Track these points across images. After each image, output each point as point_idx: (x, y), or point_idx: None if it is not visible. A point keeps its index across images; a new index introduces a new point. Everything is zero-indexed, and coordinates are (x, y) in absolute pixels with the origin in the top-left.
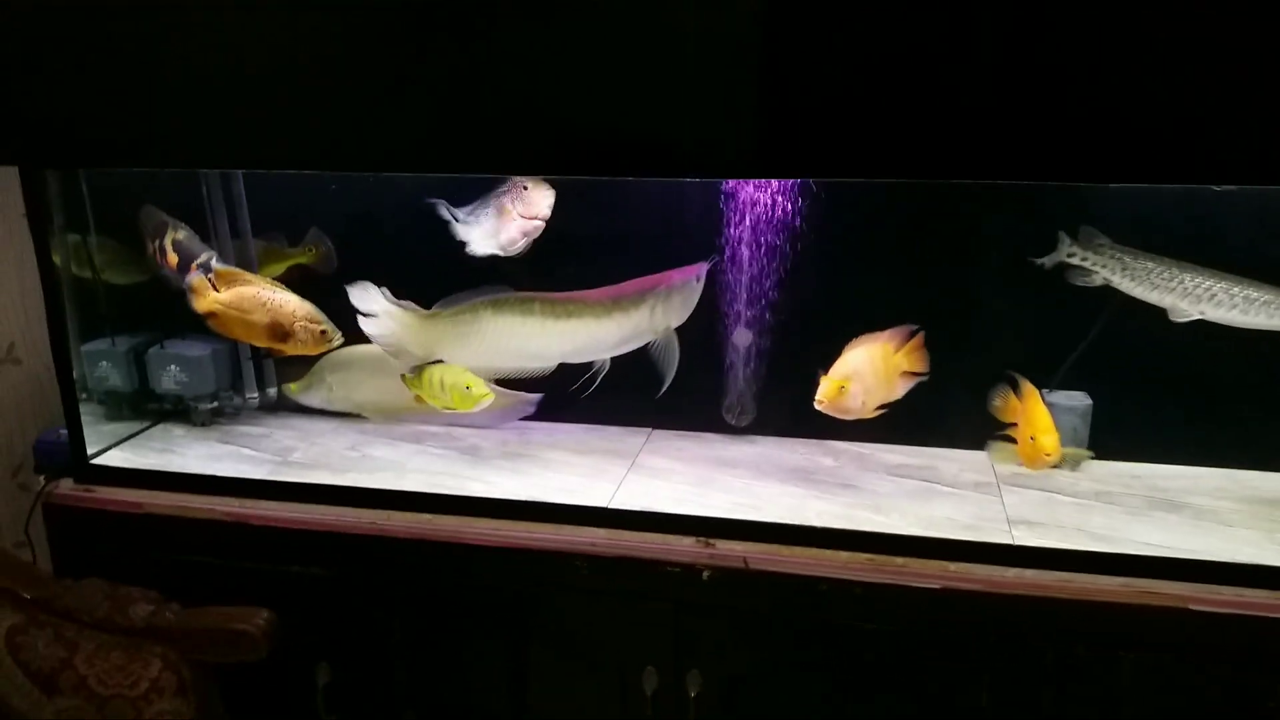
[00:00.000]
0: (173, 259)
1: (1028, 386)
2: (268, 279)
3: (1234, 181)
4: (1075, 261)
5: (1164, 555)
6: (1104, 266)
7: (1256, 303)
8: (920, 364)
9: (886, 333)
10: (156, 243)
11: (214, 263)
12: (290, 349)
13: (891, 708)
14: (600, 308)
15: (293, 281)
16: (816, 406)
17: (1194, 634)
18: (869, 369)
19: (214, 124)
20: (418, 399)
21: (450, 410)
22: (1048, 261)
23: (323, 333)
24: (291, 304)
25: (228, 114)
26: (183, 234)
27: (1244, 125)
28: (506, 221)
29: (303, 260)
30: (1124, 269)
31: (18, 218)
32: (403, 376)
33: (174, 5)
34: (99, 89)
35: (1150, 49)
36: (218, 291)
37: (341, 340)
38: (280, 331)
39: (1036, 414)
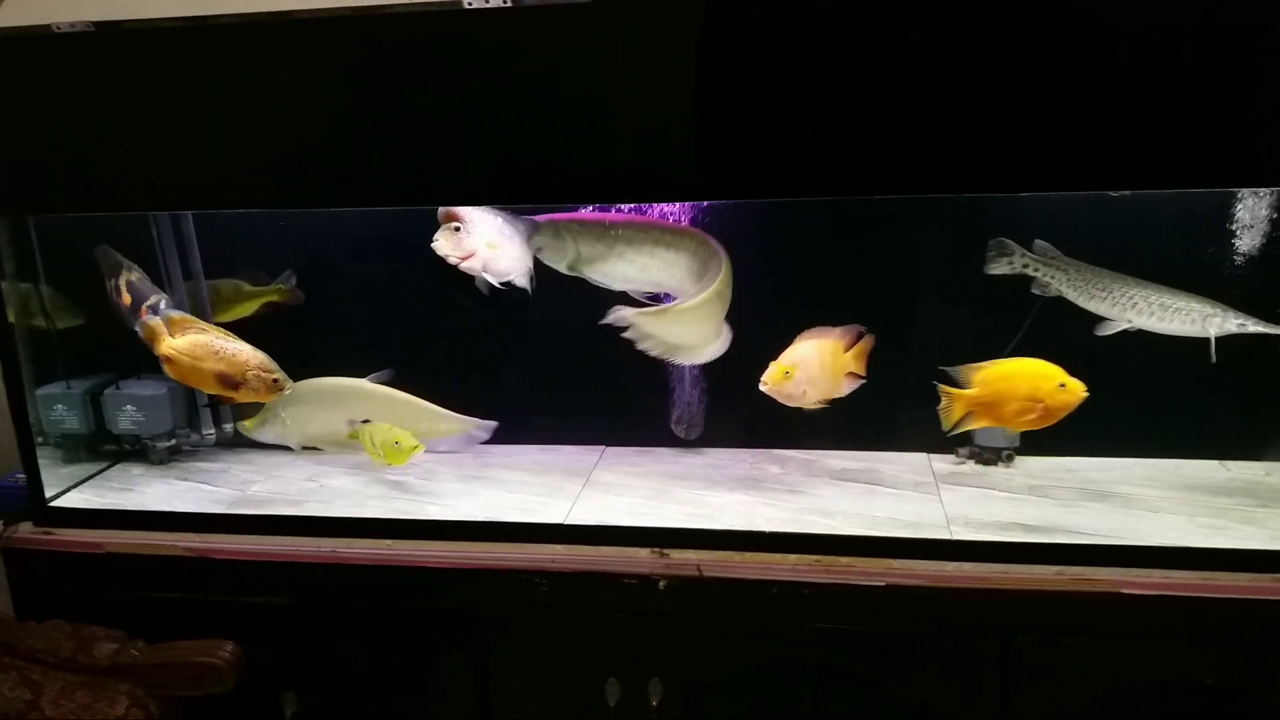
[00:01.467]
0: (125, 299)
1: (977, 367)
2: (220, 329)
3: (1145, 186)
4: (1029, 272)
5: (1096, 543)
6: (1053, 277)
7: (1170, 309)
8: (862, 367)
9: (838, 330)
10: (112, 281)
11: (163, 305)
12: (242, 397)
13: (846, 703)
14: None
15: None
16: (761, 388)
17: (1128, 616)
18: (815, 360)
19: (160, 167)
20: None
21: (388, 465)
22: (1002, 270)
23: (275, 381)
24: (245, 353)
25: (173, 157)
26: (135, 275)
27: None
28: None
29: (274, 298)
30: (1068, 279)
31: None
32: (351, 435)
33: (120, 52)
34: (43, 137)
35: (1061, 63)
36: (172, 337)
37: (292, 388)
38: (232, 380)
39: (1027, 369)
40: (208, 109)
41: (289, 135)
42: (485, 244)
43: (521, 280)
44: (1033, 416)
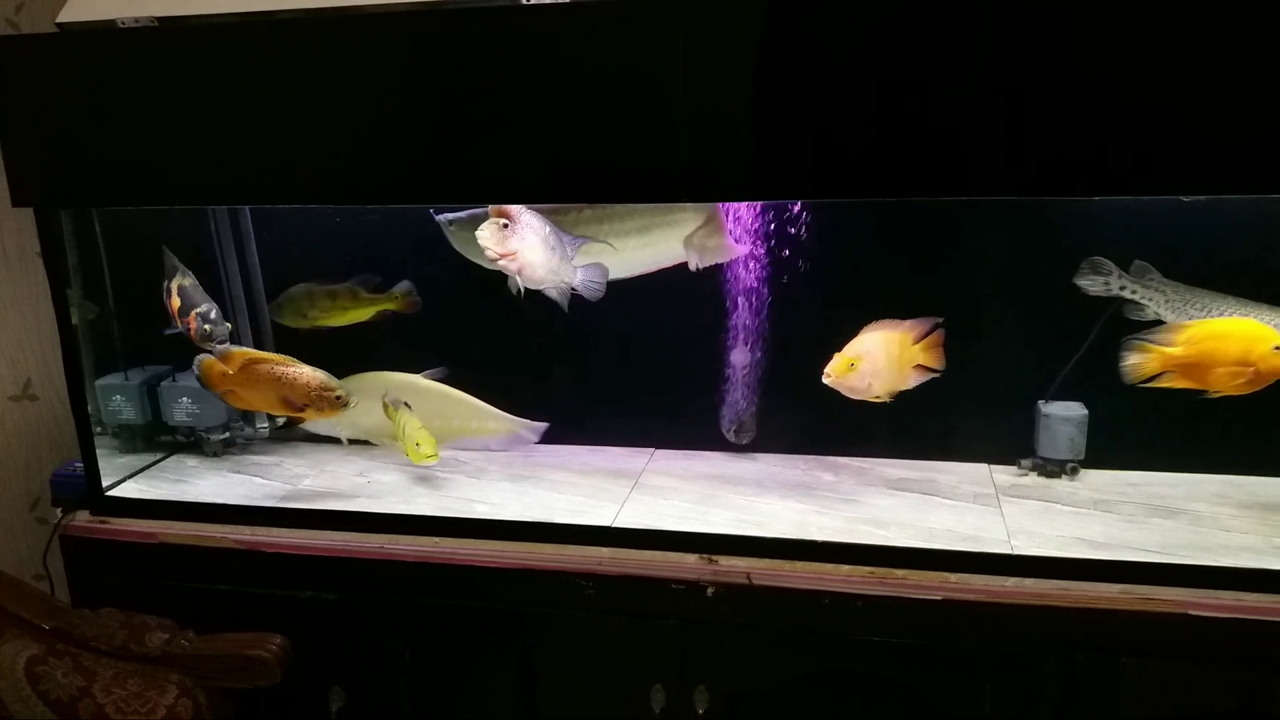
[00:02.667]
0: (175, 303)
1: (1181, 325)
2: (279, 355)
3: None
4: (1125, 295)
5: (1162, 561)
6: (1150, 299)
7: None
8: (936, 360)
9: (908, 322)
10: (166, 284)
11: (214, 314)
12: (310, 416)
13: (896, 718)
14: None
15: None
16: (824, 381)
17: (1194, 639)
18: (882, 352)
19: (219, 161)
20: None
21: (405, 455)
22: (1097, 291)
23: (338, 398)
24: (304, 375)
25: (232, 152)
26: (188, 281)
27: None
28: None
29: (391, 306)
30: (1166, 301)
31: (32, 256)
32: (385, 405)
33: (183, 48)
34: (107, 131)
35: (1140, 60)
36: (229, 372)
37: (355, 401)
38: (297, 404)
39: (1241, 329)
40: (266, 104)
41: (345, 131)
42: (528, 248)
43: (554, 294)
44: (1242, 381)
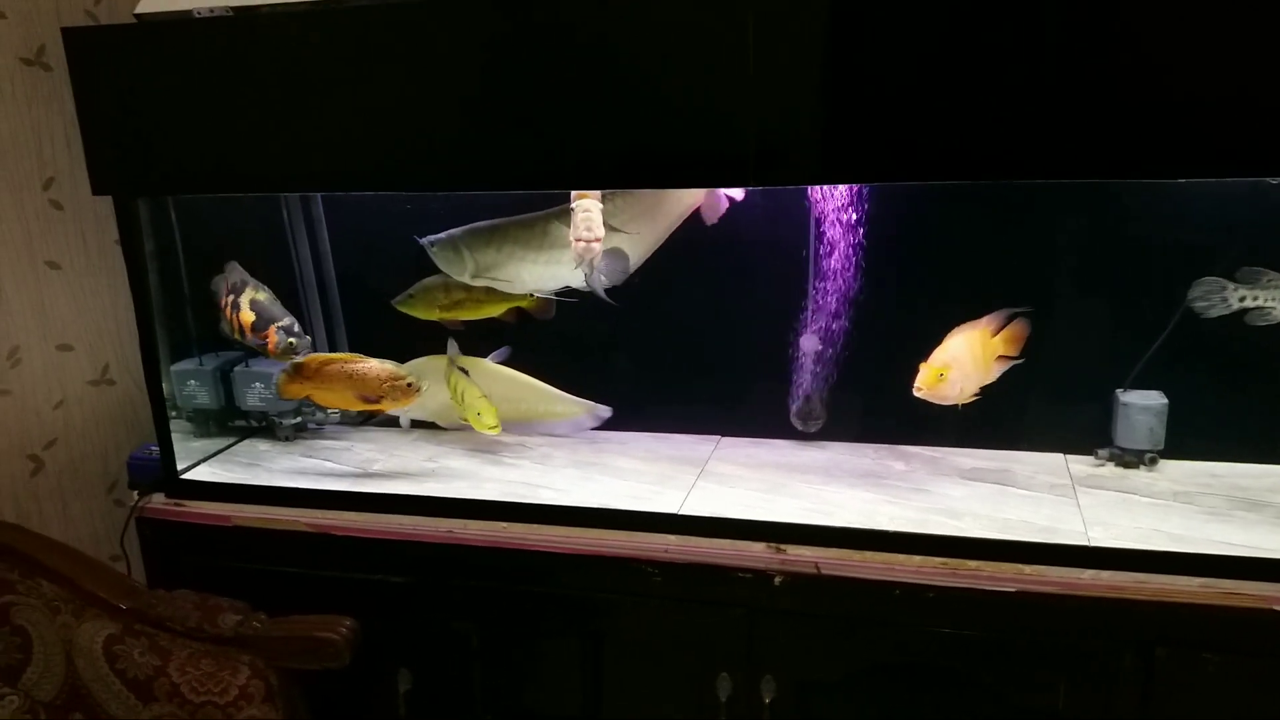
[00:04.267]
0: (248, 317)
1: None
2: (347, 354)
3: None
4: (1249, 304)
5: (1246, 555)
6: (1275, 300)
7: None
8: (1017, 350)
9: (985, 318)
10: (231, 299)
11: (296, 327)
12: (386, 407)
13: (966, 712)
14: None
15: None
16: (915, 394)
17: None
18: (967, 355)
19: (295, 149)
20: None
21: (465, 421)
22: (1220, 313)
23: (409, 385)
24: (373, 369)
25: (307, 139)
26: (263, 295)
27: None
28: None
29: (524, 304)
30: None
31: (110, 244)
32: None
33: (258, 37)
34: (185, 119)
35: (1224, 36)
36: (305, 379)
37: (426, 385)
38: (371, 397)
39: None
40: (339, 91)
41: (415, 118)
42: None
43: (595, 283)
44: None
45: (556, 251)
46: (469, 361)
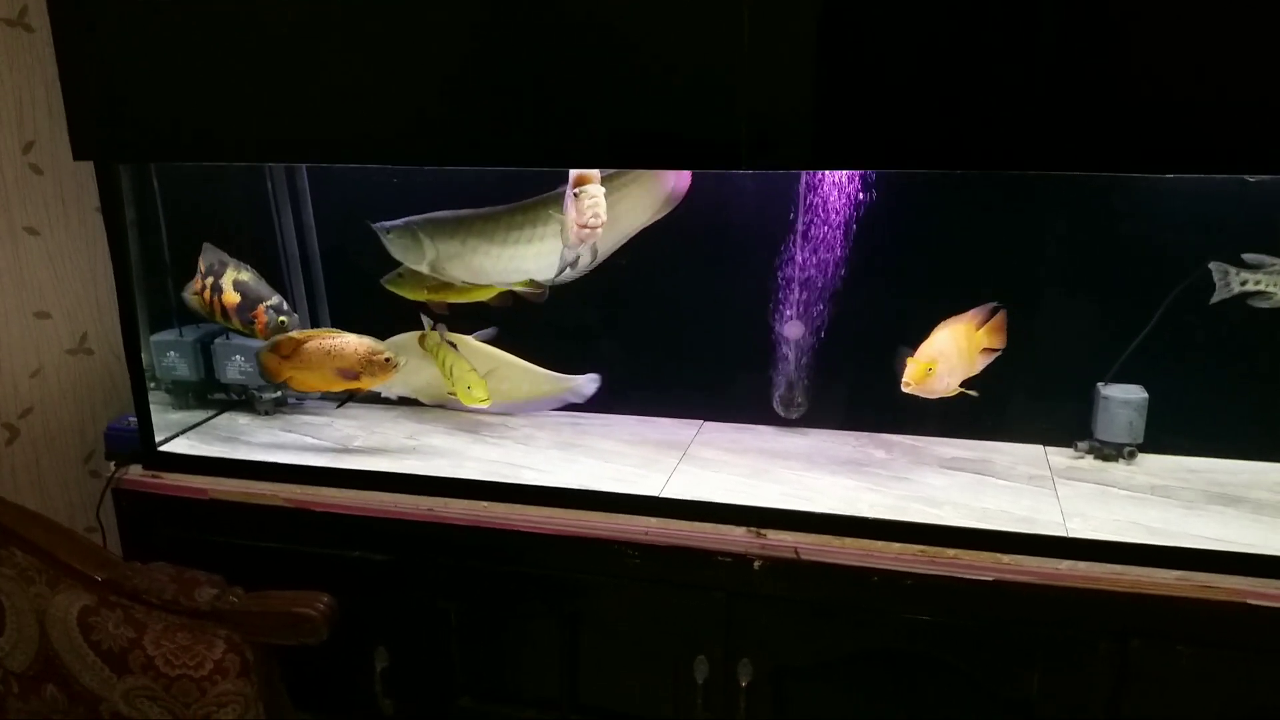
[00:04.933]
0: (231, 298)
1: None
2: (324, 329)
3: None
4: (1250, 289)
5: (1222, 549)
6: (1275, 285)
7: None
8: (1000, 341)
9: (970, 312)
10: (211, 280)
11: (285, 305)
12: (365, 384)
13: (941, 699)
14: None
15: None
16: (903, 389)
17: (1254, 629)
18: (953, 349)
19: (283, 118)
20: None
21: (452, 395)
22: (1220, 297)
23: (387, 360)
24: (350, 343)
25: (295, 110)
26: (247, 274)
27: None
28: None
29: (517, 288)
30: None
31: (90, 212)
32: (424, 336)
33: (242, 4)
34: (170, 85)
35: (1218, 32)
36: (285, 357)
37: (405, 361)
38: (350, 372)
39: None
40: (328, 62)
41: (405, 91)
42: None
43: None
44: None
45: (521, 246)
46: (452, 339)
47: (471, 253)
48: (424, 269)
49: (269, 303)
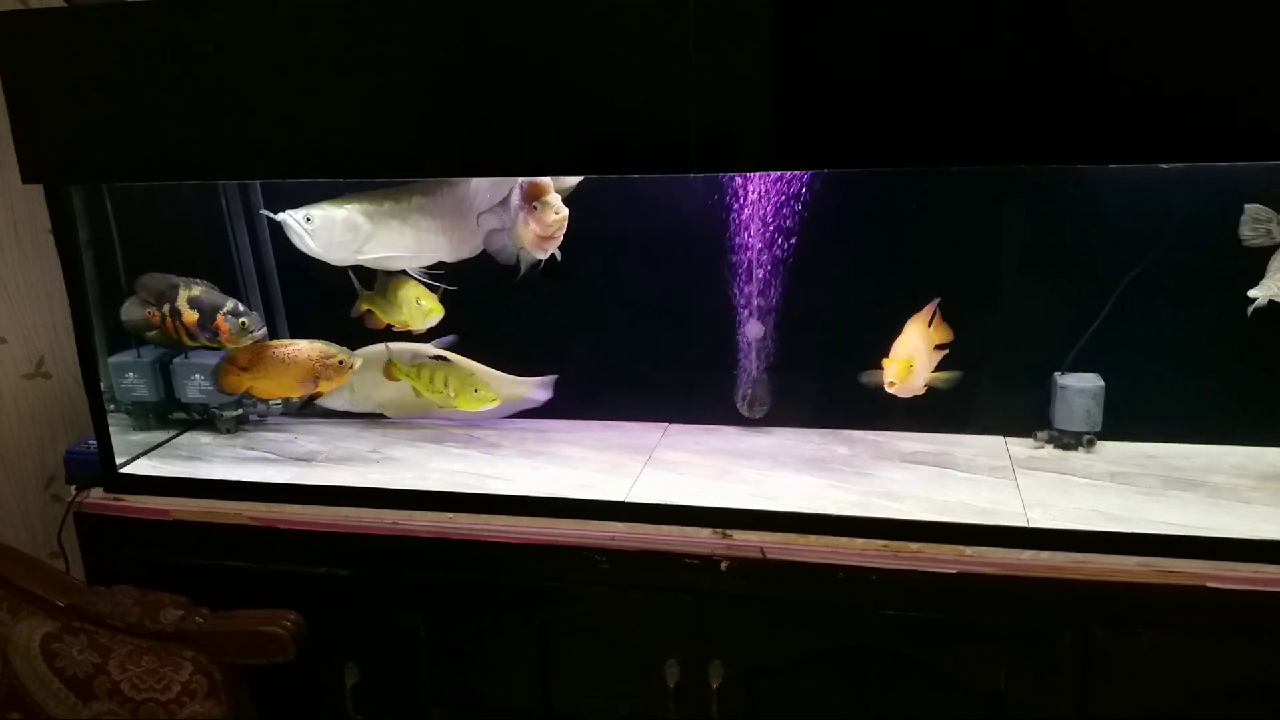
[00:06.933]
0: (190, 316)
1: None
2: (274, 341)
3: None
4: None
5: (1180, 534)
6: None
7: None
8: (946, 335)
9: (922, 311)
10: (167, 307)
11: (241, 308)
12: (324, 388)
13: (913, 692)
14: None
15: None
16: (888, 389)
17: (1213, 612)
18: (923, 346)
19: (234, 136)
20: (415, 391)
21: (450, 408)
22: (1260, 241)
23: (340, 362)
24: (303, 349)
25: (245, 126)
26: (198, 289)
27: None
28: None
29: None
30: None
31: (43, 234)
32: (391, 364)
33: (193, 19)
34: (120, 105)
35: (1171, 21)
36: (243, 369)
37: (360, 362)
38: (308, 378)
39: None
40: (277, 78)
41: (356, 103)
42: None
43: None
44: None
45: (459, 218)
46: (414, 348)
47: (413, 230)
48: (348, 257)
49: (225, 309)
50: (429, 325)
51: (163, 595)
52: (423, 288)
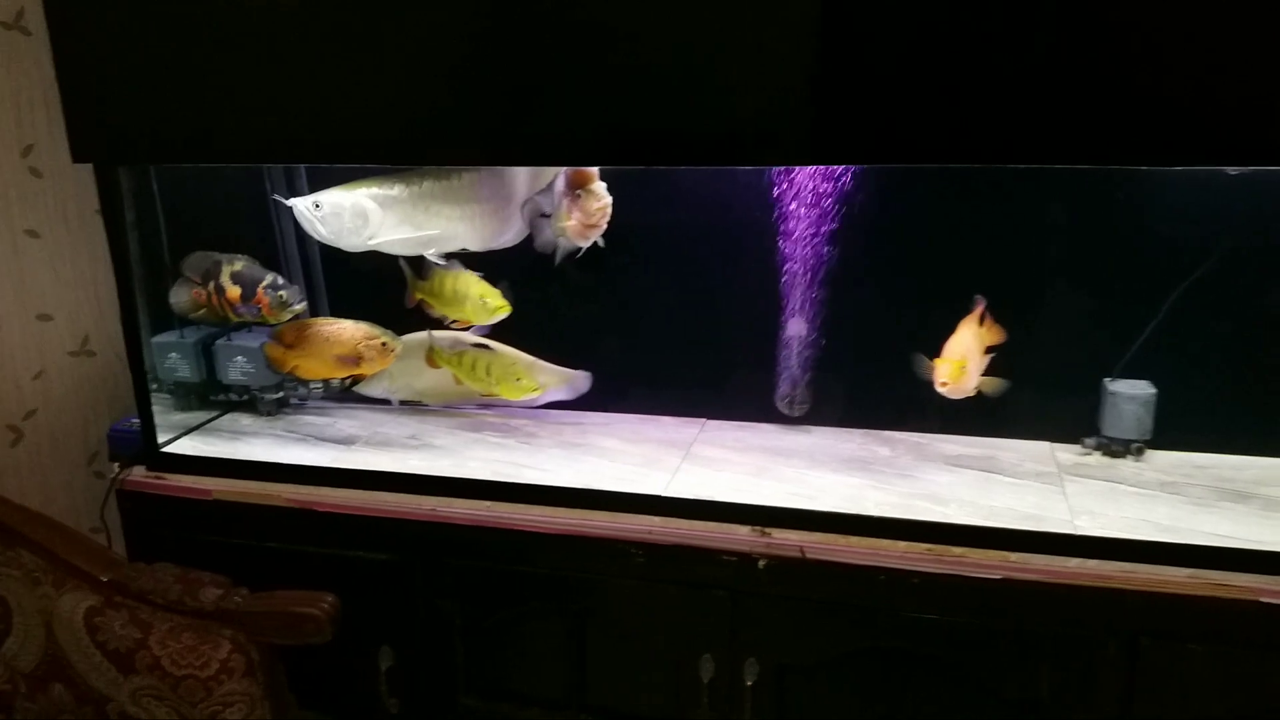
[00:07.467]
0: (234, 292)
1: None
2: (319, 318)
3: None
4: None
5: (1234, 546)
6: None
7: None
8: (998, 337)
9: (973, 311)
10: (212, 284)
11: (279, 280)
12: (366, 369)
13: (950, 698)
14: None
15: None
16: (940, 389)
17: (1266, 627)
18: (975, 346)
19: (279, 119)
20: (456, 378)
21: (491, 395)
22: None
23: (384, 345)
24: (347, 329)
25: (296, 110)
26: (240, 264)
27: None
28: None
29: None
30: None
31: (90, 214)
32: (433, 351)
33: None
34: (169, 86)
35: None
36: (289, 346)
37: (402, 346)
38: (350, 358)
39: None
40: (329, 61)
41: (408, 88)
42: None
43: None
44: None
45: (475, 205)
46: (451, 336)
47: (434, 216)
48: (360, 243)
49: (264, 283)
50: (494, 323)
51: (203, 574)
52: (487, 285)
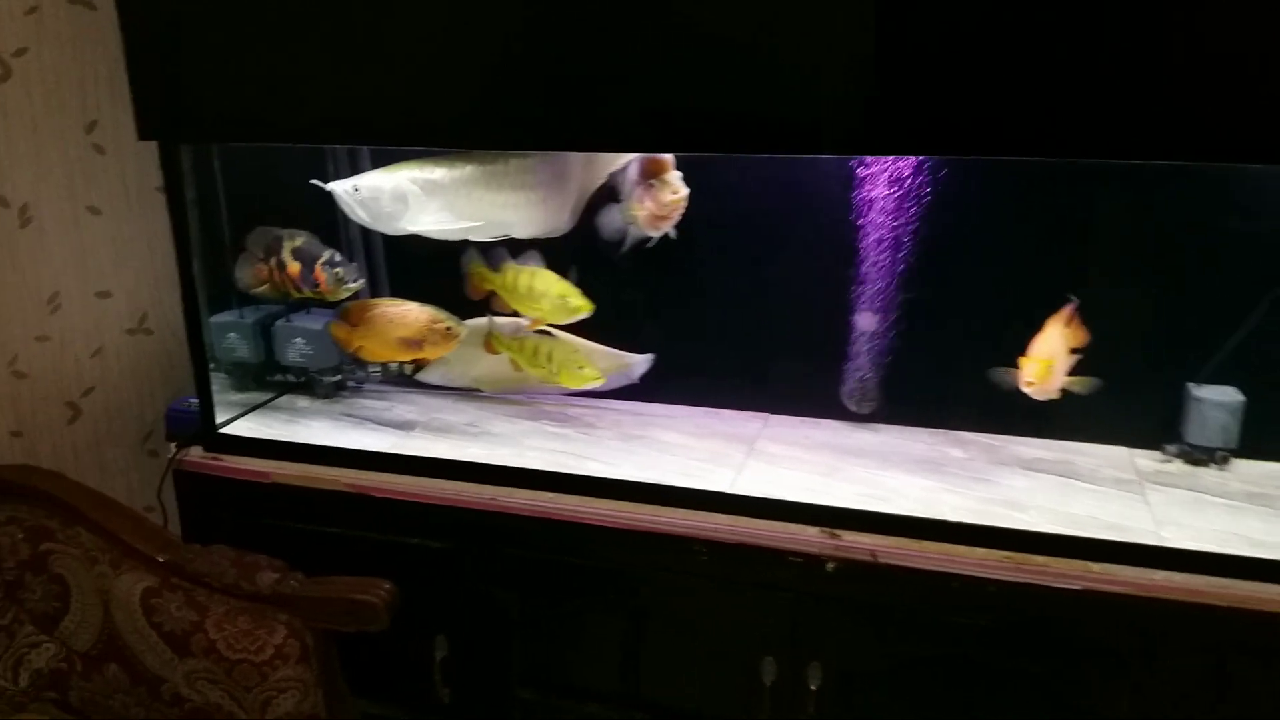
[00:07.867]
0: (294, 268)
1: None
2: (384, 299)
3: None
4: None
5: None
6: None
7: None
8: (1083, 339)
9: (1061, 311)
10: (274, 260)
11: (337, 257)
12: (428, 354)
13: (1023, 713)
14: None
15: None
16: (1025, 389)
17: None
18: (1062, 346)
19: (344, 101)
20: (513, 363)
21: (552, 383)
22: None
23: (448, 329)
24: (413, 311)
25: (357, 91)
26: (300, 239)
27: None
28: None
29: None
30: None
31: (151, 192)
32: (492, 337)
33: None
34: (234, 65)
35: None
36: (354, 325)
37: (466, 331)
38: (414, 341)
39: None
40: (394, 42)
41: (472, 74)
42: None
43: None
44: None
45: (523, 192)
46: (510, 324)
47: (474, 203)
48: (395, 226)
49: (322, 259)
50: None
51: (259, 557)
52: (569, 284)
